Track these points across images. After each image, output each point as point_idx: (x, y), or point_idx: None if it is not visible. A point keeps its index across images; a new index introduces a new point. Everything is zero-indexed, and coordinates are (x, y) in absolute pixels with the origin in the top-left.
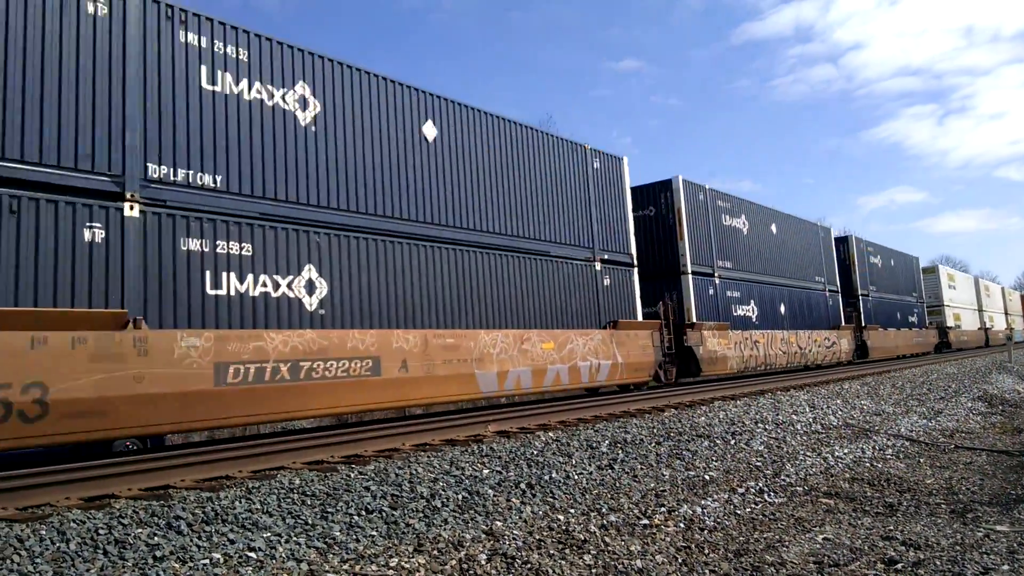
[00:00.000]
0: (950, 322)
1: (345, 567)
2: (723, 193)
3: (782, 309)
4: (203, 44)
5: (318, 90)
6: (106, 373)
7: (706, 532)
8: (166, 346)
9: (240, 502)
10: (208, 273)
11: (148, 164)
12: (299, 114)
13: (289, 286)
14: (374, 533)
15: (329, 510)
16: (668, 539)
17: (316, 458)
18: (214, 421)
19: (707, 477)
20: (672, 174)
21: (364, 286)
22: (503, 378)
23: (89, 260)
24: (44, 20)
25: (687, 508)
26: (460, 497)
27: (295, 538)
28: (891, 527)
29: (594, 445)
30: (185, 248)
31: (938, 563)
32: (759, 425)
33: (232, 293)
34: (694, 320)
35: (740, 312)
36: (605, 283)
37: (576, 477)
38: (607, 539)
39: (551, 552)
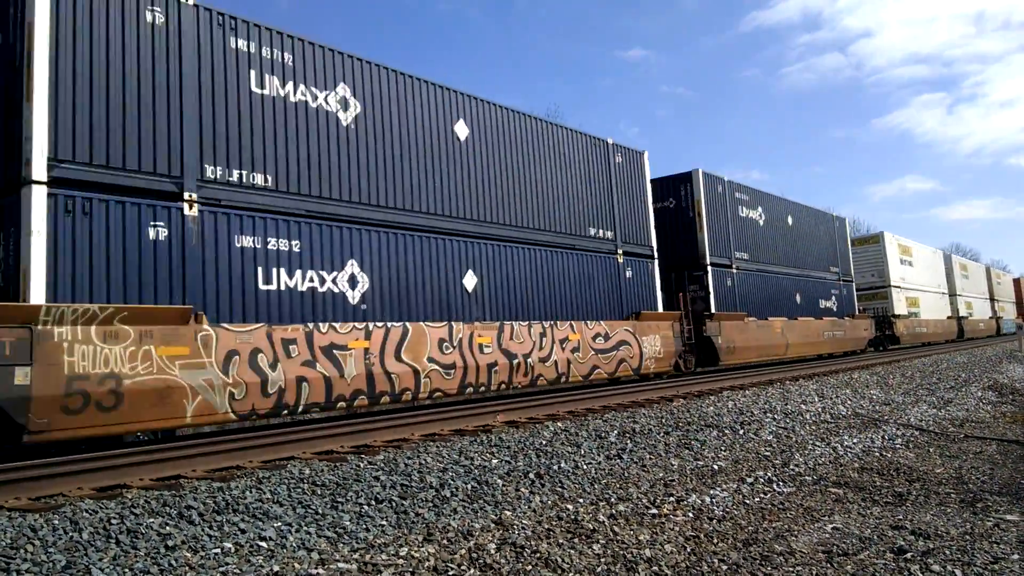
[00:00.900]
0: (900, 309)
1: (355, 556)
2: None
3: (798, 299)
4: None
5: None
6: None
7: (715, 522)
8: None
9: (251, 492)
10: (260, 269)
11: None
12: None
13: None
14: (384, 523)
15: (339, 500)
16: (677, 529)
17: (326, 448)
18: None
19: (716, 467)
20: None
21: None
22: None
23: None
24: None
25: (696, 498)
26: (469, 487)
27: (305, 528)
28: (900, 516)
29: (603, 435)
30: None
31: (947, 552)
32: (768, 415)
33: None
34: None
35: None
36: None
37: (585, 467)
38: (616, 528)
39: (560, 541)
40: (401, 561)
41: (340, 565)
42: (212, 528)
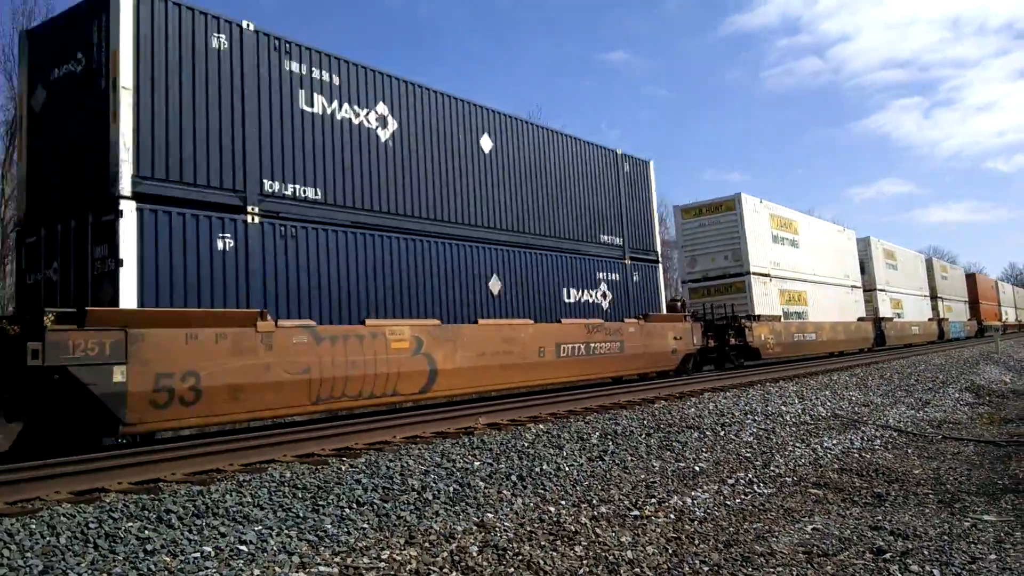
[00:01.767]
0: (761, 310)
1: (336, 560)
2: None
3: (813, 303)
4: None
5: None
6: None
7: (696, 523)
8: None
9: (231, 495)
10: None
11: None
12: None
13: None
14: (365, 526)
15: (320, 503)
16: (658, 530)
17: (307, 451)
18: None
19: (697, 468)
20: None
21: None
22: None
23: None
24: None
25: (677, 499)
26: (451, 489)
27: (286, 531)
28: (879, 517)
29: (584, 437)
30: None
31: (926, 552)
32: (749, 416)
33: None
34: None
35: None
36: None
37: (567, 469)
38: (598, 530)
39: (542, 544)
40: (383, 564)
41: (321, 568)
42: (192, 532)
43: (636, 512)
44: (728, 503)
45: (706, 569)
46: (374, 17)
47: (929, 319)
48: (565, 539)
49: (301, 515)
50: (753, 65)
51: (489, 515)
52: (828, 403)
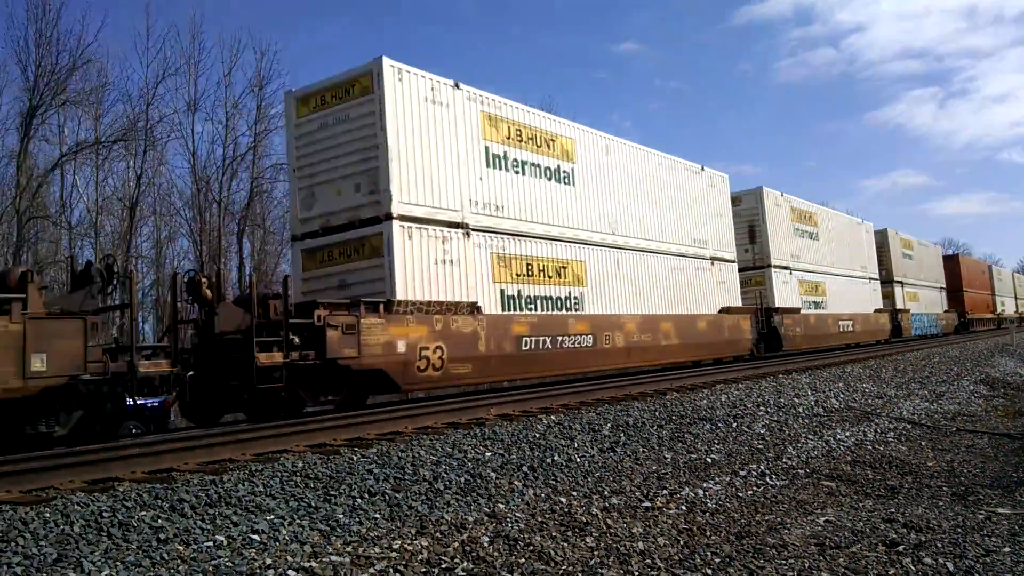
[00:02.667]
0: (781, 302)
1: (348, 549)
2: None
3: (836, 295)
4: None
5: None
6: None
7: (708, 515)
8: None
9: (243, 485)
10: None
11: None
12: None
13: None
14: (377, 516)
15: (332, 493)
16: (670, 521)
17: (319, 441)
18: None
19: (709, 460)
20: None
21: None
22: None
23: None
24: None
25: (689, 491)
26: (462, 480)
27: (298, 521)
28: (892, 509)
29: (596, 428)
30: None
31: (939, 545)
32: (761, 408)
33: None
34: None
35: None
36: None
37: (578, 460)
38: (609, 521)
39: (553, 534)
40: (394, 554)
41: (333, 558)
42: (204, 521)
43: (648, 503)
44: (740, 495)
45: (718, 561)
46: (382, 7)
47: (876, 310)
48: (576, 530)
49: (313, 505)
50: (766, 56)
51: (500, 505)
52: (841, 395)
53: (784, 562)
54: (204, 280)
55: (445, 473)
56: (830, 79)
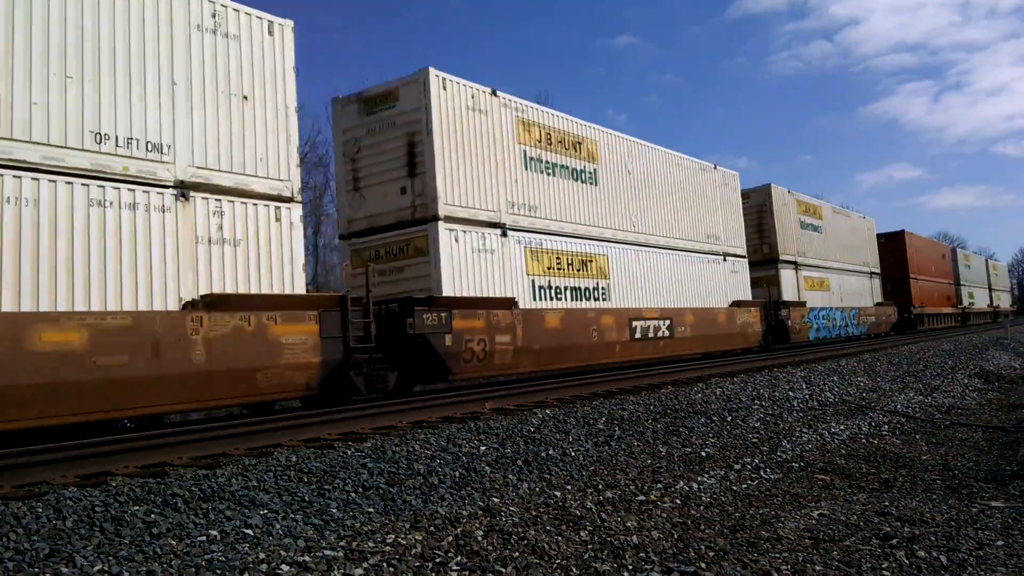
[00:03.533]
0: (788, 296)
1: (342, 544)
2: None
3: (839, 289)
4: (535, 120)
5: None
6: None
7: (702, 508)
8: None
9: (237, 479)
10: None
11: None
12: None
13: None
14: (371, 510)
15: (326, 487)
16: (664, 515)
17: (313, 436)
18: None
19: (703, 454)
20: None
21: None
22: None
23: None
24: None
25: (683, 484)
26: (457, 474)
27: (292, 515)
28: (886, 503)
29: (591, 422)
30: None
31: (933, 538)
32: (756, 402)
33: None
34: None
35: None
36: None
37: (573, 454)
38: (603, 515)
39: (548, 528)
40: (388, 548)
41: (327, 552)
42: (197, 516)
43: (642, 497)
44: (734, 488)
45: (712, 554)
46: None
47: (733, 304)
48: (570, 523)
49: (307, 499)
50: (761, 50)
51: (495, 499)
52: (836, 388)
53: (778, 555)
54: None
55: (439, 467)
56: (824, 73)
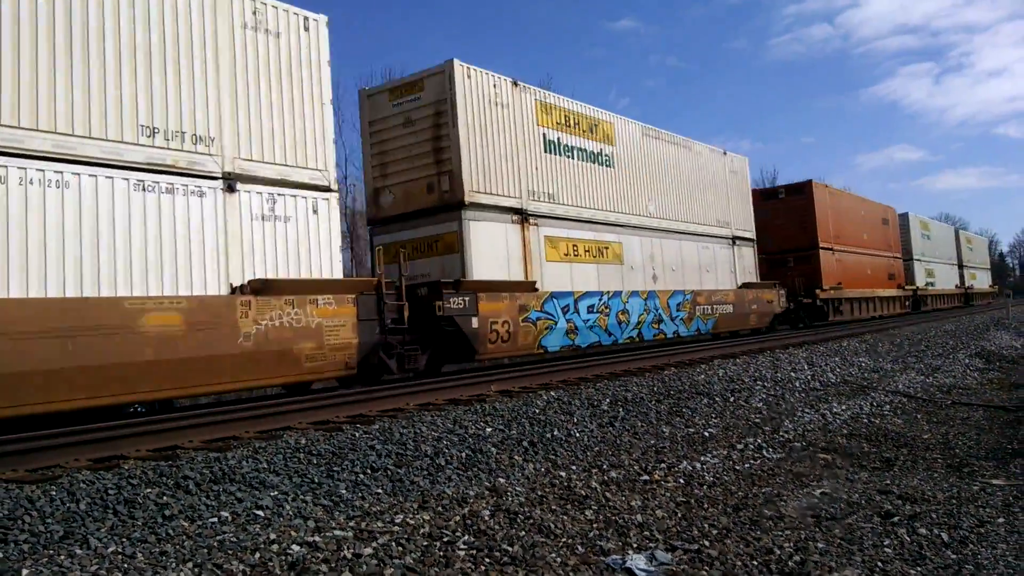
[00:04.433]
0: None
1: (351, 524)
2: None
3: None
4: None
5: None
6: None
7: (705, 487)
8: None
9: (247, 462)
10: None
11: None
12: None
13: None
14: (379, 491)
15: (335, 469)
16: (668, 494)
17: (322, 418)
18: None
19: (706, 434)
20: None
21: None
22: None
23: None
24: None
25: (687, 464)
26: (464, 455)
27: (302, 496)
28: (888, 481)
29: (595, 403)
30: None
31: (934, 516)
32: (758, 383)
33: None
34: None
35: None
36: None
37: (577, 435)
38: (608, 495)
39: (553, 507)
40: (397, 528)
41: (336, 533)
42: (209, 498)
43: (646, 477)
44: (737, 468)
45: (715, 532)
46: None
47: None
48: (576, 503)
49: (316, 481)
50: (762, 32)
51: (501, 480)
52: (838, 369)
53: (780, 533)
54: None
55: (446, 448)
56: (826, 55)
